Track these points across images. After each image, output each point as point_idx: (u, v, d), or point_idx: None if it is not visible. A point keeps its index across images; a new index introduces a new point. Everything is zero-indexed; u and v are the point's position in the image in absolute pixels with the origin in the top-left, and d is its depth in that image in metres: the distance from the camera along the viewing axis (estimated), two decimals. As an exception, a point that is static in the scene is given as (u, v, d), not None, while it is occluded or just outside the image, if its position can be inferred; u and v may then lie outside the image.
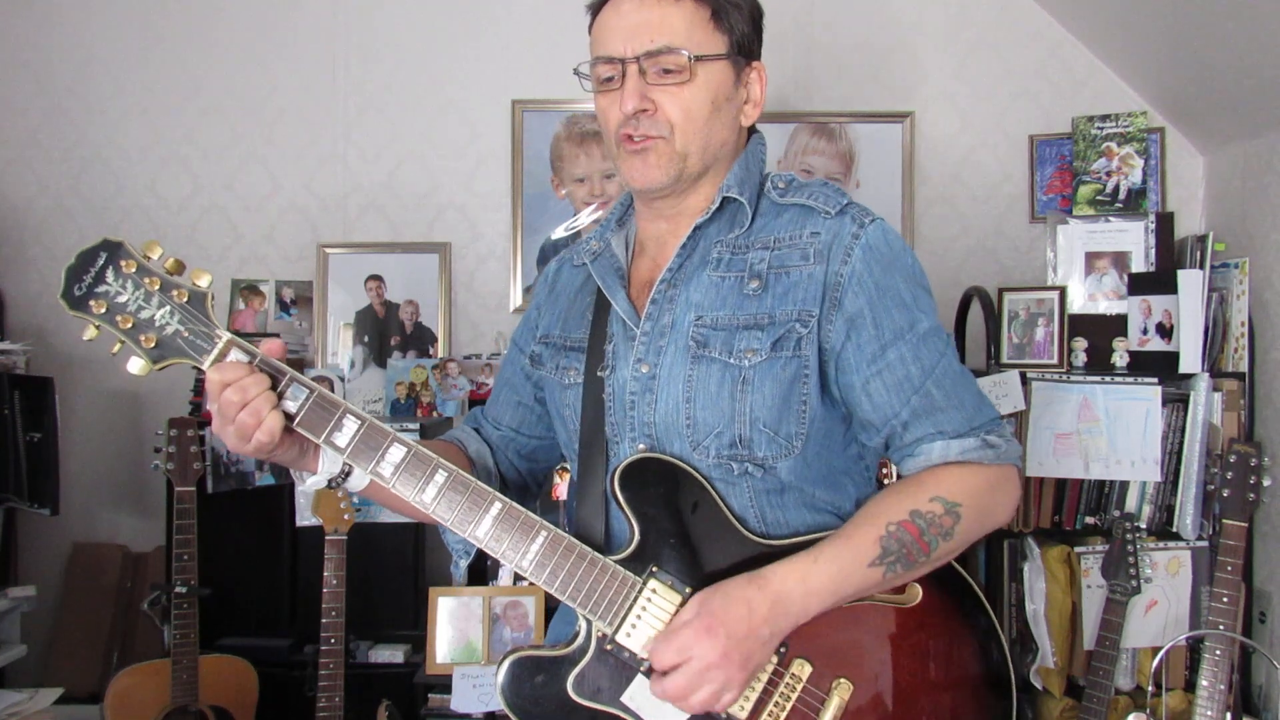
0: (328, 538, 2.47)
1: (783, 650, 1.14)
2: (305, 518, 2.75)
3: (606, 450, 1.23)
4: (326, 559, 2.46)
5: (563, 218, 3.07)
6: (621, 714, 1.13)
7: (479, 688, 2.54)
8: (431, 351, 3.10)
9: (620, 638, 1.13)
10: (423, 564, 2.85)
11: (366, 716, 2.46)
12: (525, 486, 1.47)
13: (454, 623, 2.66)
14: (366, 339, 3.11)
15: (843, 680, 1.13)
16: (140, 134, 3.17)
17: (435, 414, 2.91)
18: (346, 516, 2.50)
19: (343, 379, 2.93)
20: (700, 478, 1.17)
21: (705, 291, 1.19)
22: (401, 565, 2.84)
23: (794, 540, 1.17)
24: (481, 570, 2.80)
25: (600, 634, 1.14)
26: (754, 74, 1.23)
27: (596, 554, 1.14)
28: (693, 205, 1.24)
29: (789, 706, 1.13)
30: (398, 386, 2.94)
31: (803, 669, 1.14)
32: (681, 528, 1.15)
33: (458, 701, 2.53)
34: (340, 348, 3.10)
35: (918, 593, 1.18)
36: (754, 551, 1.16)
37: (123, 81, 3.16)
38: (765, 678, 1.14)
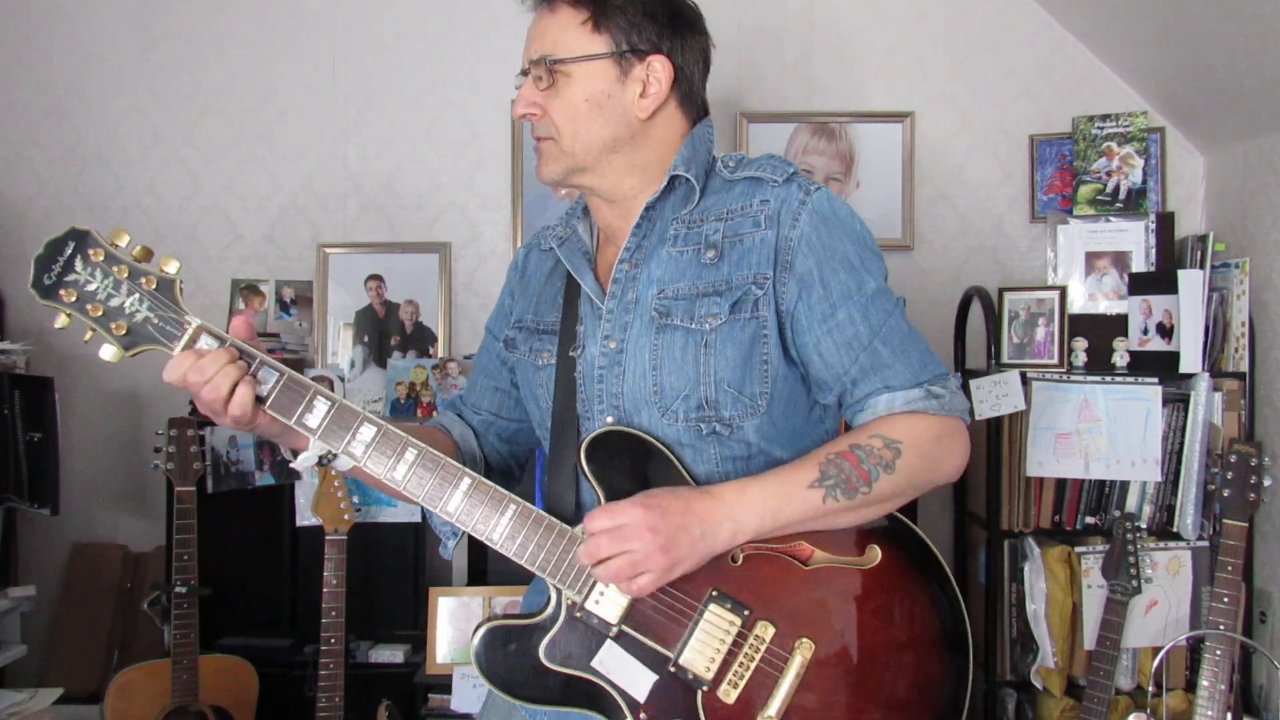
0: (328, 538, 2.48)
1: (746, 614, 1.19)
2: (305, 518, 2.75)
3: (578, 426, 1.28)
4: (326, 559, 2.46)
5: (563, 218, 3.07)
6: (592, 677, 1.19)
7: (479, 688, 2.53)
8: (431, 351, 3.10)
9: (589, 605, 1.18)
10: (423, 564, 2.85)
11: (366, 716, 2.46)
12: (509, 470, 1.52)
13: (454, 623, 2.66)
14: (366, 339, 3.11)
15: (804, 640, 1.18)
16: (140, 134, 3.17)
17: (435, 414, 2.90)
18: (346, 516, 2.51)
19: (343, 379, 2.93)
20: (663, 448, 1.23)
21: (665, 266, 1.26)
22: (401, 565, 2.84)
23: None
24: (482, 570, 2.80)
25: (570, 602, 1.19)
26: (653, 65, 1.27)
27: (565, 525, 1.19)
28: (629, 193, 1.30)
29: (753, 667, 1.18)
30: (398, 386, 2.94)
31: (766, 630, 1.19)
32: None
33: (458, 701, 2.53)
34: (340, 348, 3.10)
35: (877, 554, 1.23)
36: None
37: (123, 81, 3.16)
38: (730, 639, 1.18)
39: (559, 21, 1.26)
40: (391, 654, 2.73)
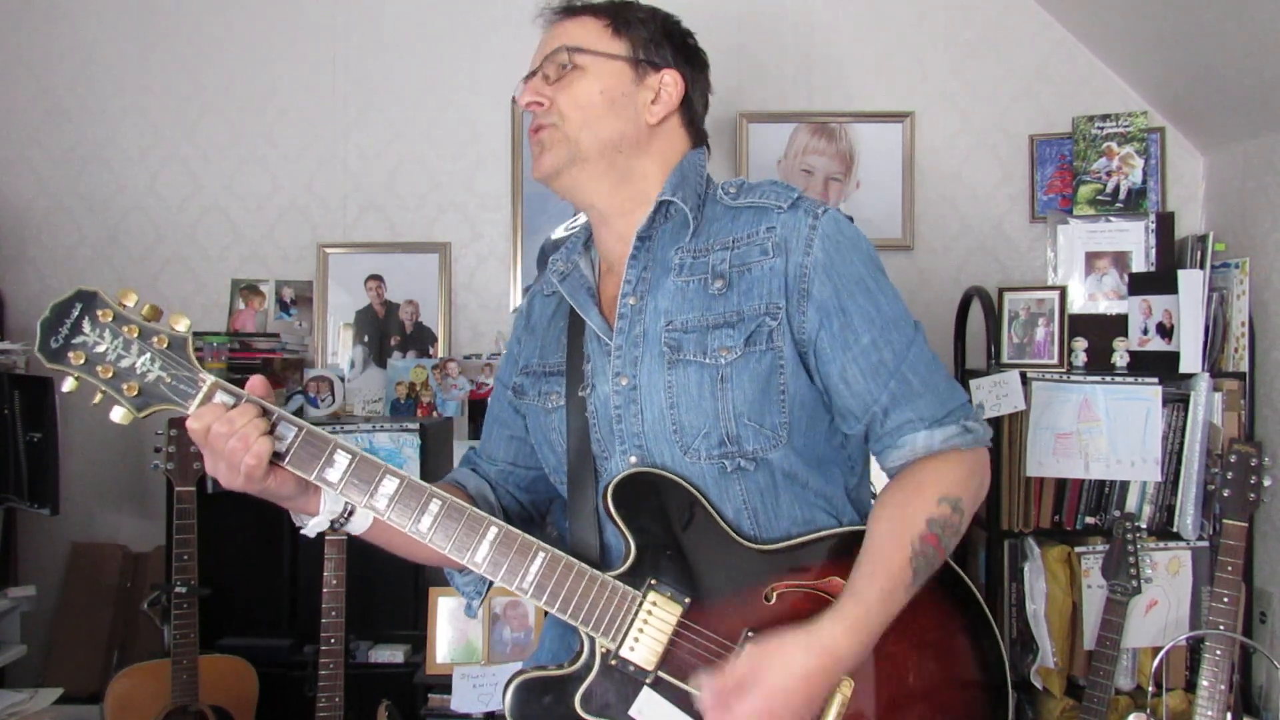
0: (328, 538, 2.47)
1: None
2: (305, 518, 2.75)
3: (595, 467, 1.25)
4: (326, 559, 2.46)
5: (563, 218, 3.07)
6: None
7: (479, 688, 2.54)
8: (431, 351, 3.10)
9: (624, 652, 1.14)
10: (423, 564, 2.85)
11: (366, 716, 2.46)
12: (529, 518, 1.48)
13: (454, 623, 2.66)
14: (366, 339, 3.11)
15: (844, 679, 1.14)
16: (140, 134, 3.17)
17: (435, 414, 2.91)
18: (346, 516, 2.50)
19: (343, 379, 2.93)
20: (691, 488, 1.19)
21: (672, 297, 1.23)
22: (401, 565, 2.79)
23: (787, 544, 1.20)
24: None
25: (604, 650, 1.15)
26: (666, 78, 1.28)
27: (595, 571, 1.16)
28: (621, 208, 1.29)
29: None
30: (398, 386, 2.94)
31: None
32: (676, 538, 1.17)
33: (458, 701, 2.53)
34: (340, 348, 3.10)
35: None
36: (748, 556, 1.18)
37: (123, 81, 3.16)
38: None
39: (580, 24, 1.28)
40: (391, 654, 2.73)
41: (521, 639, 2.64)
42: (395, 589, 2.84)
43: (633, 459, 1.22)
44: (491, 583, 1.28)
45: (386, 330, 3.12)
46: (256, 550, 2.84)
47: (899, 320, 1.21)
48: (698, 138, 1.34)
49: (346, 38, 3.15)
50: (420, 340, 3.11)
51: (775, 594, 1.17)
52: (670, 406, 1.19)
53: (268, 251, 3.16)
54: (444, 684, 2.57)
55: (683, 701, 1.14)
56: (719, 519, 1.19)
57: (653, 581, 1.16)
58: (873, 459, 1.28)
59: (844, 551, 1.18)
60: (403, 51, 3.15)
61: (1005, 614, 2.63)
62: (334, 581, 2.45)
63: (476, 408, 2.90)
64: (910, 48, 3.11)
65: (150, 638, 2.89)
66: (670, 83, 1.28)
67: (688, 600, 1.15)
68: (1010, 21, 3.08)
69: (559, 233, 3.06)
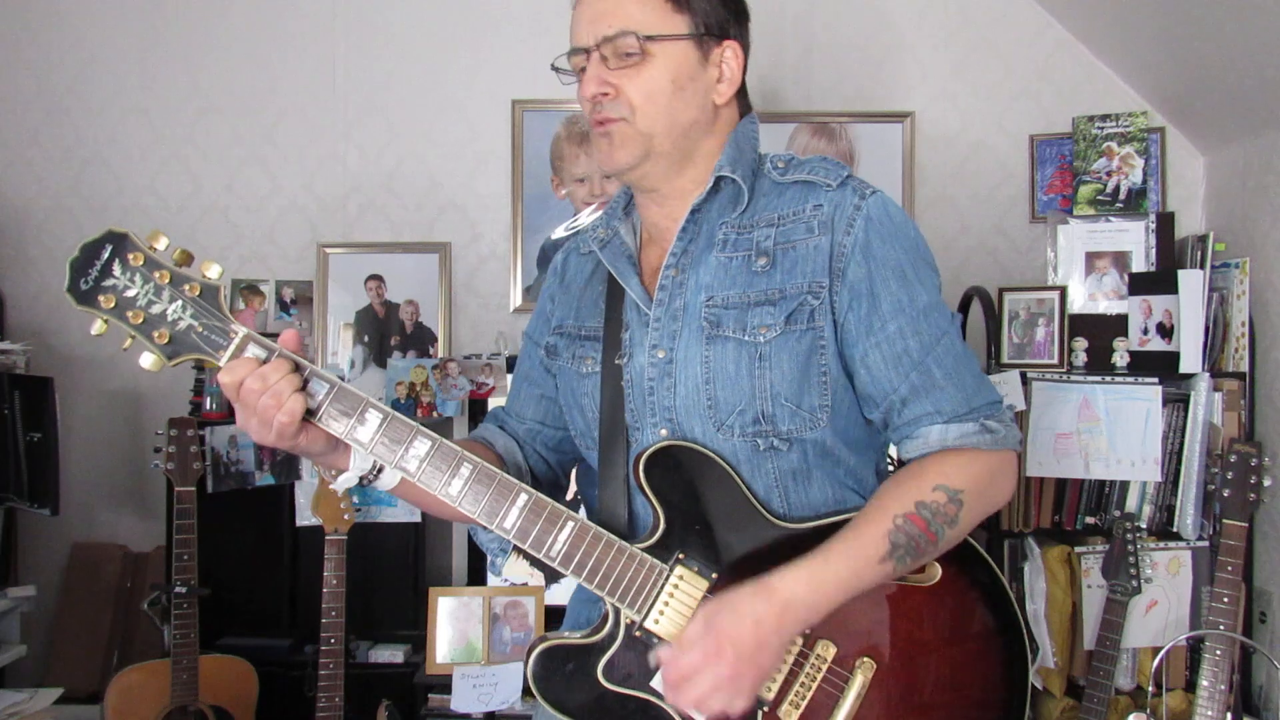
0: (328, 538, 2.48)
1: (807, 634, 1.16)
2: (305, 518, 2.75)
3: (627, 437, 1.24)
4: (326, 559, 2.46)
5: (563, 218, 3.07)
6: (651, 698, 1.15)
7: (479, 688, 2.54)
8: (431, 351, 3.10)
9: (649, 624, 1.14)
10: (423, 564, 2.85)
11: (366, 716, 2.46)
12: (556, 480, 1.45)
13: (454, 623, 2.66)
14: (366, 339, 3.11)
15: (865, 659, 1.15)
16: (140, 134, 3.17)
17: (435, 414, 2.91)
18: (346, 516, 2.51)
19: (343, 379, 2.92)
20: (723, 463, 1.18)
21: (714, 272, 1.21)
22: (401, 565, 2.84)
23: (816, 523, 1.18)
24: (481, 570, 2.80)
25: (629, 621, 1.16)
26: (727, 52, 1.24)
27: (624, 542, 1.15)
28: (683, 189, 1.25)
29: (814, 687, 1.16)
30: (398, 386, 2.94)
31: (827, 649, 1.17)
32: (705, 513, 1.17)
33: (458, 701, 2.53)
34: (340, 347, 3.10)
35: (937, 571, 1.20)
36: (777, 535, 1.17)
37: (123, 81, 3.16)
38: (791, 659, 1.16)
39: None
40: (391, 654, 2.74)
41: (521, 639, 2.64)
42: (395, 589, 2.84)
43: (663, 431, 1.21)
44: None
45: (386, 330, 3.12)
46: (256, 550, 2.84)
47: (931, 311, 1.17)
48: (745, 103, 1.30)
49: (346, 38, 3.15)
50: (420, 340, 3.11)
51: None
52: (706, 382, 1.18)
53: (268, 251, 3.16)
54: (444, 684, 2.58)
55: None
56: (750, 496, 1.18)
57: (680, 555, 1.15)
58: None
59: None
60: (403, 51, 3.15)
61: (1005, 614, 2.63)
62: (334, 581, 2.45)
63: (476, 408, 2.90)
64: (910, 48, 3.11)
65: (150, 638, 2.89)
66: (732, 57, 1.24)
67: (714, 576, 1.15)
68: (1010, 21, 3.08)
69: (559, 233, 3.06)
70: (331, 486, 1.22)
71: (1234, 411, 2.56)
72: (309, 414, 1.12)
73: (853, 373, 1.19)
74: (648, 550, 1.16)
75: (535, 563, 1.93)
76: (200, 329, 1.12)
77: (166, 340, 1.12)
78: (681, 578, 1.15)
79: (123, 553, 3.08)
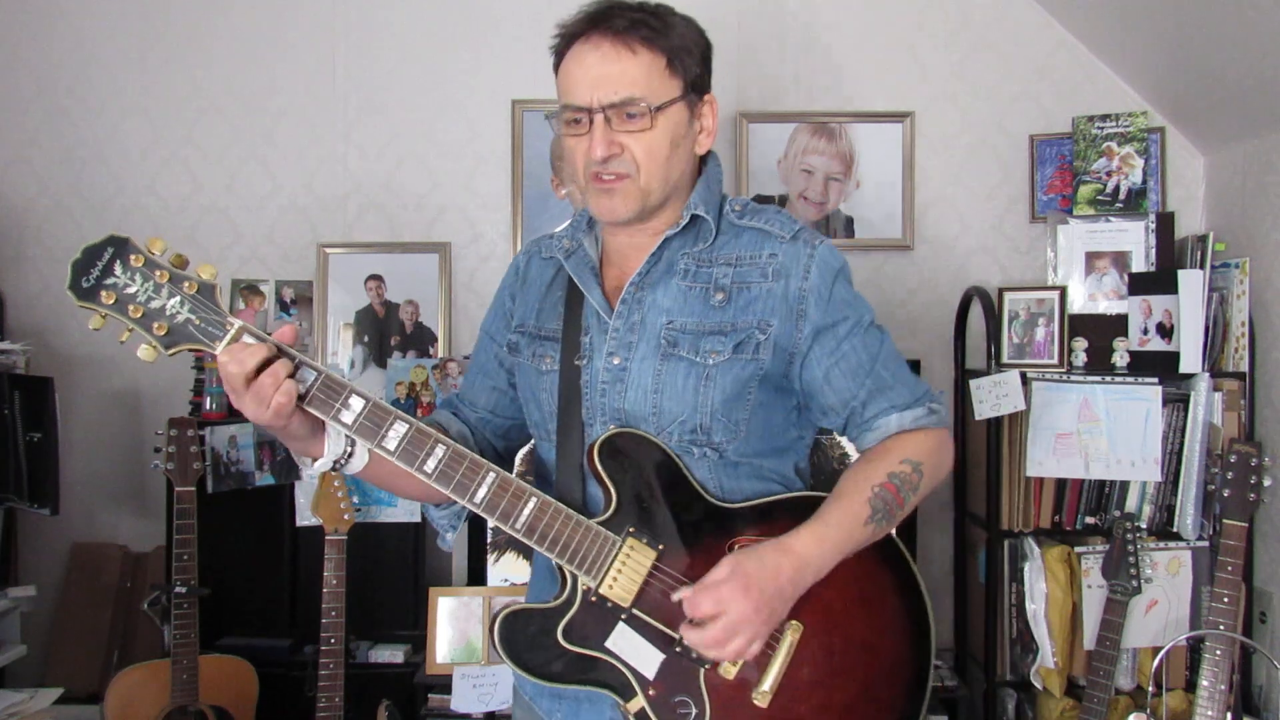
0: (328, 538, 2.48)
1: None
2: (305, 518, 2.76)
3: (582, 431, 1.38)
4: (326, 559, 2.46)
5: (563, 218, 3.07)
6: (606, 657, 1.29)
7: (479, 688, 2.54)
8: (431, 351, 3.10)
9: (603, 590, 1.28)
10: (423, 564, 2.85)
11: (366, 716, 2.47)
12: (502, 464, 1.56)
13: (454, 623, 2.66)
14: (366, 339, 3.11)
15: (793, 622, 1.30)
16: (140, 134, 3.17)
17: (434, 412, 2.90)
18: (346, 516, 2.51)
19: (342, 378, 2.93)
20: (667, 449, 1.34)
21: (674, 298, 1.36)
22: (401, 565, 2.84)
23: (749, 504, 1.35)
24: (481, 570, 2.80)
25: (585, 587, 1.29)
26: (706, 107, 1.38)
27: (581, 516, 1.30)
28: (655, 225, 1.38)
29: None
30: (398, 386, 2.95)
31: None
32: (653, 493, 1.32)
33: (458, 701, 2.53)
34: (340, 347, 3.10)
35: None
36: (715, 513, 1.34)
37: (123, 81, 3.16)
38: None
39: (642, 65, 1.30)
40: (391, 654, 2.74)
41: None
42: (395, 589, 2.84)
43: (613, 427, 1.35)
44: (466, 518, 1.46)
45: (386, 330, 3.12)
46: (256, 550, 2.84)
47: (872, 328, 1.39)
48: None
49: (346, 38, 3.15)
50: (420, 340, 3.11)
51: (737, 546, 1.31)
52: (654, 391, 1.33)
53: (268, 251, 3.16)
54: (444, 684, 2.58)
55: (653, 635, 1.29)
56: (691, 478, 1.34)
57: (631, 529, 1.30)
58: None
59: (797, 511, 1.32)
60: (403, 51, 3.15)
61: (1005, 614, 2.63)
62: (334, 581, 2.45)
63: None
64: (910, 48, 3.11)
65: (150, 638, 2.89)
66: (709, 111, 1.38)
67: (660, 547, 1.30)
68: (1010, 21, 3.08)
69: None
70: (308, 473, 1.34)
71: (1234, 411, 2.56)
72: (299, 399, 1.21)
73: (813, 391, 1.37)
74: (602, 524, 1.30)
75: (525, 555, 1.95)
76: (198, 321, 1.21)
77: (165, 332, 1.20)
78: (632, 548, 1.29)
79: (123, 553, 3.08)
